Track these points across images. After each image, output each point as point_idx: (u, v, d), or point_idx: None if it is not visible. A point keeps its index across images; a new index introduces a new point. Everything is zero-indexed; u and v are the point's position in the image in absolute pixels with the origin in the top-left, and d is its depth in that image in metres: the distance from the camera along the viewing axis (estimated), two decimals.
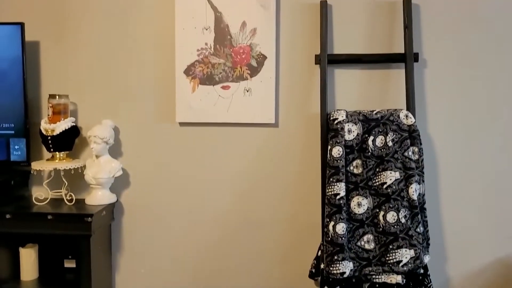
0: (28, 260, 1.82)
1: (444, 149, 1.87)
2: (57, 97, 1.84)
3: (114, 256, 2.01)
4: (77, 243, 1.78)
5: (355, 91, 1.88)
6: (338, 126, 1.79)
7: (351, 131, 1.80)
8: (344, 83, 1.87)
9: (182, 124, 1.96)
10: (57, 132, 1.78)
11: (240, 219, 1.96)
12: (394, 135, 1.76)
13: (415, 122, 1.76)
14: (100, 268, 1.88)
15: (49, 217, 1.74)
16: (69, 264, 1.91)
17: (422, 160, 1.77)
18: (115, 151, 1.96)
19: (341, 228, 1.73)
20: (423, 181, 1.77)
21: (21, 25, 1.85)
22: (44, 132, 1.80)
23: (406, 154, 1.75)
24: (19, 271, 1.84)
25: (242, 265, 1.97)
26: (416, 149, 1.76)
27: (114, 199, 1.92)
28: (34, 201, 1.86)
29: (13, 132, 1.83)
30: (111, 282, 2.00)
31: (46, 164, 1.80)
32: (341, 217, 1.74)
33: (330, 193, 1.76)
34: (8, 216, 1.74)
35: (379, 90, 1.87)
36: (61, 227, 1.75)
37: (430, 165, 1.86)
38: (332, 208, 1.75)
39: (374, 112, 1.81)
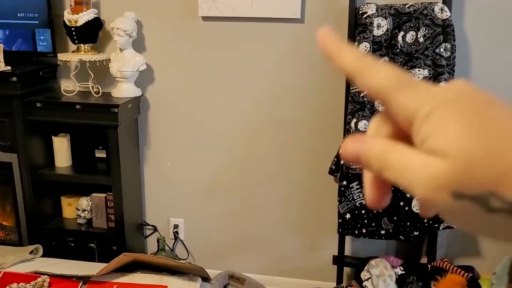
0: (61, 148, 1.93)
1: (479, 47, 1.77)
2: None
3: (142, 149, 2.09)
4: (106, 134, 1.85)
5: None
6: (367, 20, 1.70)
7: (380, 26, 1.72)
8: None
9: (205, 18, 1.91)
10: (80, 23, 1.77)
11: (263, 117, 1.97)
12: (427, 30, 1.67)
13: (450, 16, 1.65)
14: (128, 159, 1.97)
15: (78, 106, 1.80)
16: (100, 154, 2.01)
17: (454, 57, 1.69)
18: (138, 45, 1.95)
19: (363, 125, 1.72)
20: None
21: None
22: (67, 23, 1.80)
23: (437, 50, 1.67)
24: (53, 158, 1.96)
25: (264, 162, 2.02)
26: (449, 46, 1.68)
27: (139, 93, 1.96)
28: (63, 92, 1.92)
29: (37, 22, 1.83)
30: (140, 173, 2.11)
31: (72, 55, 1.83)
32: (364, 114, 1.72)
33: (354, 90, 1.73)
34: (38, 104, 1.81)
35: None
36: (89, 117, 1.82)
37: (462, 63, 1.78)
38: (355, 106, 1.73)
39: (407, 6, 1.70)
